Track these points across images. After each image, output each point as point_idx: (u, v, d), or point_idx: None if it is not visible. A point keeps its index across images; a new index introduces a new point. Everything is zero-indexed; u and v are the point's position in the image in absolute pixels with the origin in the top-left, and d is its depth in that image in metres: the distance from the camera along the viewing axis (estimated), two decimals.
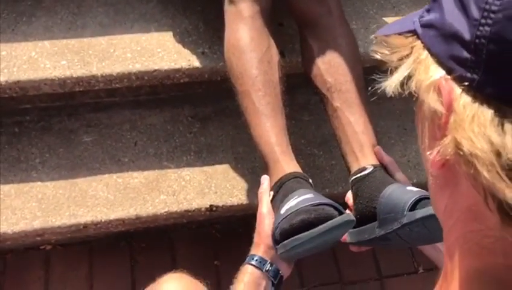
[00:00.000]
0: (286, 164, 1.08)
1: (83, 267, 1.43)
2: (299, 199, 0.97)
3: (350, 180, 1.10)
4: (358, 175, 1.07)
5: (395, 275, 1.50)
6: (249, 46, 1.15)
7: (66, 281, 1.41)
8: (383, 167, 1.09)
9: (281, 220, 0.96)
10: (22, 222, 1.30)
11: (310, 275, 1.45)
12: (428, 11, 0.40)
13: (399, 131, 1.53)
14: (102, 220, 1.32)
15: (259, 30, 1.18)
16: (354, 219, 0.97)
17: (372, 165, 1.07)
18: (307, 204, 0.95)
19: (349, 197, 1.11)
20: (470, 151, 0.35)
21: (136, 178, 1.38)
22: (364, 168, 1.08)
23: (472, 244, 0.39)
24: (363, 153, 1.10)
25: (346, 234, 1.08)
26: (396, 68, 0.41)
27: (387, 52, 0.42)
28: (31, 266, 1.42)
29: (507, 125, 0.34)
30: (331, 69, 1.19)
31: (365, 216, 1.03)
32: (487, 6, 0.34)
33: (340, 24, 1.24)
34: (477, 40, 0.35)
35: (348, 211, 1.11)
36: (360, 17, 1.58)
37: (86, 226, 1.32)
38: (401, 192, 0.97)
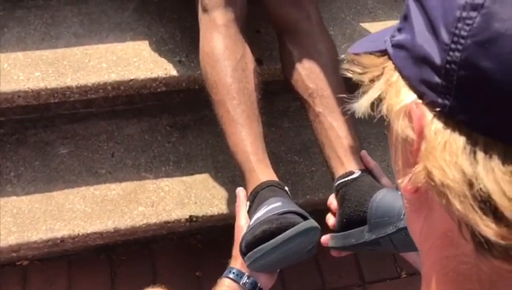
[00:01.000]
0: (261, 172, 1.07)
1: (62, 282, 1.40)
2: (267, 209, 0.97)
3: (335, 184, 1.08)
4: (346, 179, 1.06)
5: (378, 280, 1.49)
6: (223, 55, 1.15)
7: None
8: (368, 171, 1.09)
9: (247, 232, 0.96)
10: None
11: (292, 284, 1.44)
12: (399, 30, 0.39)
13: (378, 136, 1.53)
14: (80, 234, 1.29)
15: (234, 38, 1.17)
16: (317, 225, 0.97)
17: (359, 169, 1.07)
18: (273, 213, 0.95)
19: (332, 201, 1.10)
20: (442, 181, 0.34)
21: (114, 190, 1.36)
22: (351, 172, 1.07)
23: (449, 270, 0.38)
24: (348, 157, 1.10)
25: (329, 238, 1.07)
26: (367, 89, 0.40)
27: (358, 71, 0.40)
28: (8, 283, 1.38)
29: (479, 154, 0.33)
30: (312, 75, 1.19)
31: (353, 220, 1.02)
32: (457, 31, 0.33)
33: (320, 30, 1.24)
34: (447, 66, 0.34)
35: (330, 216, 1.10)
36: (337, 23, 1.59)
37: (63, 240, 1.29)
38: (394, 196, 0.97)
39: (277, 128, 1.52)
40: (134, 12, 1.52)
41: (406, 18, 0.38)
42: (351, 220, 1.02)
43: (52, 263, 1.41)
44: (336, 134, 1.12)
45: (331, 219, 1.09)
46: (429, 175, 0.35)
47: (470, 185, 0.33)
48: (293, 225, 0.93)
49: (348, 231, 1.03)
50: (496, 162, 0.32)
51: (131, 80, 1.38)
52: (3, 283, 1.37)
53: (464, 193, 0.33)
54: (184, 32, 1.49)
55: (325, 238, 1.06)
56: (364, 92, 0.40)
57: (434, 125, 0.35)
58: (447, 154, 0.33)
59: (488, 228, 0.32)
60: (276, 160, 1.41)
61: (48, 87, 1.34)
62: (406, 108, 0.36)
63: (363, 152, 1.12)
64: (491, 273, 0.36)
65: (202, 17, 1.20)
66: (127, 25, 1.49)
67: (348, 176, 1.07)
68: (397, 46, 0.38)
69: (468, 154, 0.33)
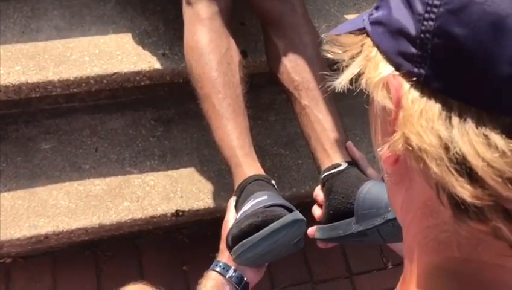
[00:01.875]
0: (248, 166, 1.07)
1: (46, 279, 1.38)
2: (253, 202, 0.97)
3: (322, 176, 1.08)
4: (332, 171, 1.06)
5: (365, 271, 1.50)
6: (207, 48, 1.13)
7: None
8: (354, 162, 1.09)
9: (233, 226, 0.96)
10: None
11: (280, 276, 1.44)
12: (377, 8, 0.41)
13: (364, 127, 1.53)
14: (64, 230, 1.27)
15: (218, 31, 1.16)
16: (303, 217, 0.97)
17: (346, 161, 1.07)
18: (259, 207, 0.95)
19: (318, 193, 1.10)
20: (419, 146, 0.35)
21: (98, 185, 1.34)
22: (338, 164, 1.07)
23: (429, 240, 0.40)
24: (334, 149, 1.10)
25: (315, 230, 1.07)
26: (347, 66, 0.41)
27: (338, 51, 0.42)
28: None
29: (454, 119, 0.34)
30: (298, 67, 1.18)
31: (340, 212, 1.02)
32: (430, 1, 0.35)
33: (305, 22, 1.24)
34: (422, 35, 0.35)
35: (316, 208, 1.10)
36: (322, 15, 1.58)
37: (47, 237, 1.27)
38: (381, 188, 0.97)
39: (263, 121, 1.51)
40: (116, 5, 1.50)
41: None
42: (337, 212, 1.02)
43: (36, 260, 1.39)
44: (322, 126, 1.12)
45: (317, 211, 1.09)
46: (407, 141, 0.36)
47: (446, 148, 0.34)
48: (279, 217, 0.93)
49: (335, 223, 1.03)
50: (469, 126, 0.34)
51: (114, 73, 1.36)
52: None
53: (440, 156, 0.34)
54: (168, 25, 1.47)
55: (311, 230, 1.06)
56: (344, 69, 0.41)
57: (411, 95, 0.36)
58: (424, 120, 0.35)
59: (464, 189, 0.34)
60: (262, 153, 1.40)
61: (29, 81, 1.32)
62: (384, 80, 0.38)
63: (349, 143, 1.12)
64: (470, 238, 0.37)
65: (186, 10, 1.19)
66: (109, 17, 1.47)
67: (335, 168, 1.06)
68: (375, 22, 0.40)
69: (443, 119, 0.34)
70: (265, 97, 1.56)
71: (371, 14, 0.41)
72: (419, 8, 0.35)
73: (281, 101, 1.55)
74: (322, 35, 0.45)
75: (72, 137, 1.42)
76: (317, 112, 1.13)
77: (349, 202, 1.00)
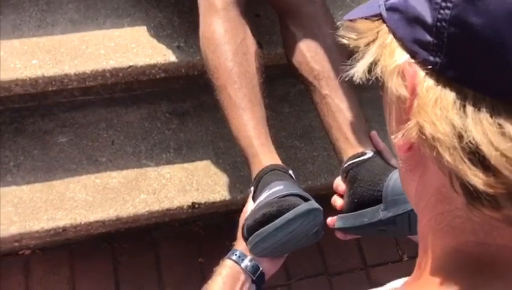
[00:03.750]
0: (264, 156, 1.06)
1: (64, 271, 1.40)
2: (269, 192, 0.96)
3: (345, 165, 1.07)
4: (358, 159, 1.05)
5: (380, 263, 1.50)
6: (223, 39, 1.13)
7: (47, 285, 1.37)
8: (378, 152, 1.08)
9: (248, 216, 0.95)
10: None
11: (295, 268, 1.45)
12: None
13: (380, 120, 1.52)
14: (82, 223, 1.28)
15: (234, 21, 1.15)
16: (319, 206, 0.95)
17: (371, 150, 1.06)
18: (274, 197, 0.94)
19: (339, 183, 1.08)
20: (432, 134, 0.35)
21: (115, 178, 1.35)
22: (363, 153, 1.05)
23: (444, 225, 0.40)
24: (357, 138, 1.09)
25: (336, 219, 1.05)
26: (363, 54, 0.41)
27: (354, 36, 0.42)
28: (11, 272, 1.38)
29: (468, 108, 0.34)
30: (317, 57, 1.17)
31: (365, 200, 1.00)
32: None
33: (323, 12, 1.22)
34: (438, 24, 0.35)
35: (337, 198, 1.08)
36: (337, 6, 1.57)
37: (65, 229, 1.29)
38: None
39: (277, 114, 1.51)
40: None
41: None
42: (363, 200, 1.00)
43: (54, 252, 1.41)
44: (344, 116, 1.10)
45: (338, 201, 1.07)
46: (421, 129, 0.36)
47: (460, 137, 0.34)
48: (293, 207, 0.91)
49: (360, 211, 1.01)
50: (484, 115, 0.34)
51: (130, 66, 1.36)
52: (5, 272, 1.37)
53: (453, 145, 0.34)
54: (182, 17, 1.46)
55: (331, 220, 1.05)
56: (360, 57, 0.41)
57: (426, 83, 0.36)
58: (438, 109, 0.35)
59: (477, 178, 0.34)
60: (277, 145, 1.39)
61: (46, 75, 1.33)
62: (399, 67, 0.38)
63: (373, 133, 1.11)
64: (483, 224, 0.37)
65: (201, 1, 1.19)
66: (124, 10, 1.47)
67: (360, 156, 1.05)
68: (391, 9, 0.40)
69: (458, 108, 0.34)
70: (280, 89, 1.56)
71: (387, 0, 0.40)
72: None
73: (295, 94, 1.55)
74: (338, 23, 0.45)
75: (89, 130, 1.43)
76: (339, 102, 1.12)
77: (376, 189, 0.98)
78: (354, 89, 1.16)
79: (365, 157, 1.04)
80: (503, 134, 0.33)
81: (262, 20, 1.48)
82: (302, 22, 1.21)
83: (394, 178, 0.96)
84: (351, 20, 0.43)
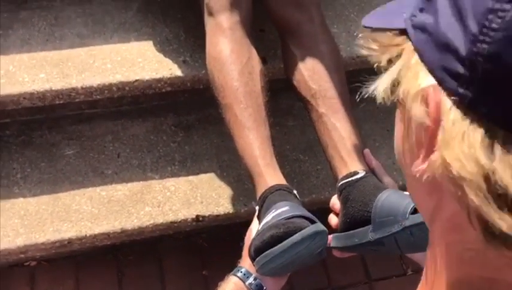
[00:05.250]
0: (269, 176, 1.08)
1: (69, 283, 1.41)
2: (275, 213, 0.97)
3: (339, 185, 1.09)
4: (350, 179, 1.06)
5: (384, 277, 1.50)
6: (229, 59, 1.15)
7: None
8: (370, 170, 1.09)
9: (255, 237, 0.96)
10: (5, 240, 1.27)
11: (299, 282, 1.45)
12: (421, 10, 0.37)
13: (383, 133, 1.53)
14: (87, 235, 1.30)
15: (240, 41, 1.17)
16: (324, 228, 0.97)
17: (363, 169, 1.07)
18: (280, 218, 0.95)
19: (334, 202, 1.10)
20: (459, 173, 0.33)
21: (120, 190, 1.36)
22: (355, 172, 1.07)
23: (453, 255, 0.39)
24: (351, 157, 1.10)
25: (331, 238, 1.07)
26: (384, 70, 0.38)
27: (375, 48, 0.38)
28: (16, 284, 1.39)
29: (497, 148, 0.32)
30: (315, 76, 1.19)
31: (357, 220, 1.02)
32: (487, 23, 0.32)
33: (322, 31, 1.24)
34: (473, 57, 0.32)
35: (333, 217, 1.10)
36: (341, 20, 1.58)
37: (70, 241, 1.30)
38: (399, 196, 0.97)
39: (281, 127, 1.52)
40: (138, 13, 1.52)
41: None
42: (354, 220, 1.02)
43: (60, 264, 1.42)
44: (339, 134, 1.12)
45: (333, 219, 1.09)
46: (446, 165, 0.34)
47: (487, 178, 0.32)
48: (300, 229, 0.93)
49: (352, 231, 1.03)
50: None
51: (136, 80, 1.38)
52: (12, 283, 1.38)
53: (479, 186, 0.32)
54: (188, 32, 1.48)
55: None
56: (381, 74, 0.38)
57: (452, 114, 0.34)
58: (466, 146, 0.33)
59: (503, 221, 0.32)
60: (281, 159, 1.40)
61: (53, 88, 1.35)
62: (423, 92, 0.35)
63: (366, 151, 1.12)
64: (496, 260, 0.35)
65: (208, 21, 1.21)
66: (131, 25, 1.49)
67: (352, 176, 1.07)
68: (418, 27, 0.36)
69: (486, 147, 0.32)
70: (284, 103, 1.57)
71: (414, 15, 0.37)
72: (473, 27, 0.32)
73: (300, 107, 1.55)
74: (356, 33, 0.42)
75: (95, 143, 1.44)
76: (335, 120, 1.14)
77: (367, 210, 1.00)
78: (351, 108, 1.17)
79: (357, 177, 1.05)
80: None
81: (267, 35, 1.50)
82: (301, 40, 1.23)
83: (382, 199, 0.98)
84: (367, 27, 0.40)
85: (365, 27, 0.40)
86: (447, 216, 0.38)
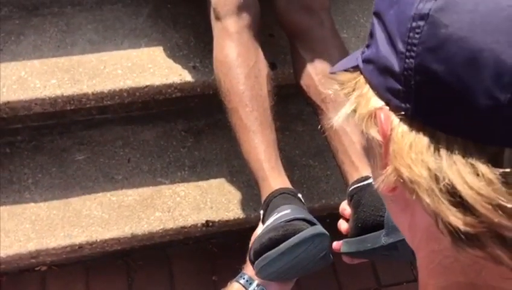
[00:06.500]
0: (274, 180, 1.07)
1: (80, 287, 1.41)
2: (277, 216, 0.97)
3: (350, 189, 1.08)
4: (361, 184, 1.05)
5: (395, 283, 1.49)
6: (235, 62, 1.15)
7: None
8: None
9: (255, 240, 0.96)
10: (16, 245, 1.28)
11: (308, 288, 1.44)
12: (367, 46, 0.42)
13: None
14: (98, 240, 1.30)
15: (246, 45, 1.17)
16: (325, 231, 0.96)
17: None
18: (281, 221, 0.95)
19: (344, 207, 1.09)
20: (410, 178, 0.36)
21: (131, 196, 1.37)
22: (367, 177, 1.06)
23: (435, 264, 0.41)
24: (362, 162, 1.09)
25: (342, 244, 1.06)
26: (344, 103, 0.43)
27: (337, 87, 0.44)
28: (27, 289, 1.40)
29: (442, 150, 0.35)
30: (325, 81, 1.18)
31: (368, 225, 1.01)
32: (409, 40, 0.36)
33: (332, 36, 1.24)
34: (405, 72, 0.37)
35: (342, 222, 1.09)
36: (351, 25, 1.58)
37: (81, 246, 1.30)
38: None
39: (291, 132, 1.52)
40: (148, 18, 1.53)
41: (371, 35, 0.42)
42: (366, 225, 1.01)
43: (70, 269, 1.43)
44: (349, 139, 1.11)
45: (343, 225, 1.08)
46: (398, 174, 0.37)
47: (436, 179, 0.35)
48: (299, 231, 0.92)
49: (364, 236, 1.02)
50: (457, 156, 0.35)
51: (147, 86, 1.38)
52: (22, 288, 1.39)
53: (431, 187, 0.35)
54: (198, 38, 1.49)
55: (337, 244, 1.05)
56: (342, 106, 0.44)
57: (400, 128, 0.37)
58: (413, 153, 0.36)
59: (457, 218, 0.35)
60: (290, 164, 1.41)
61: (64, 94, 1.36)
62: (371, 112, 0.40)
63: (367, 151, 1.11)
64: (472, 264, 0.38)
65: (215, 25, 1.21)
66: (142, 31, 1.50)
67: (363, 181, 1.06)
68: (366, 60, 0.42)
69: (432, 151, 0.35)
70: (294, 108, 1.57)
71: (363, 52, 0.43)
72: (401, 46, 0.37)
73: (309, 112, 1.55)
74: (326, 73, 0.49)
75: (105, 148, 1.45)
76: (345, 125, 1.13)
77: (379, 215, 0.99)
78: None
79: (369, 181, 1.04)
80: (477, 173, 0.34)
81: (276, 40, 1.50)
82: (311, 45, 1.23)
83: None
84: (333, 73, 0.46)
85: (331, 73, 0.47)
86: (422, 229, 0.41)
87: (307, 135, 1.52)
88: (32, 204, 1.34)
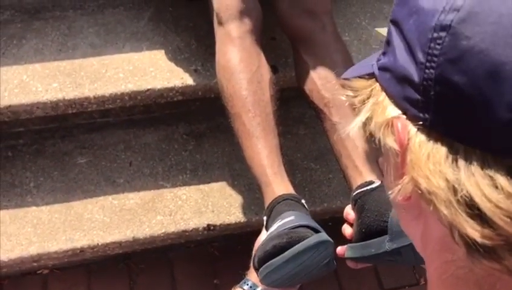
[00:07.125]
0: (277, 185, 1.07)
1: None
2: (281, 223, 0.97)
3: (353, 194, 1.07)
4: (365, 189, 1.05)
5: (397, 287, 1.48)
6: (238, 67, 1.15)
7: None
8: None
9: (259, 247, 0.95)
10: (18, 248, 1.28)
11: None
12: (384, 54, 0.42)
13: None
14: (99, 244, 1.30)
15: (249, 50, 1.17)
16: (329, 238, 0.95)
17: (379, 179, 1.06)
18: (285, 228, 0.94)
19: (349, 212, 1.09)
20: (428, 189, 0.36)
21: (132, 199, 1.37)
22: (371, 182, 1.06)
23: (448, 275, 0.40)
24: (366, 167, 1.09)
25: (346, 249, 1.06)
26: (359, 111, 0.43)
27: (351, 94, 0.44)
28: None
29: (460, 161, 0.35)
30: (328, 85, 1.18)
31: (372, 230, 1.00)
32: (430, 51, 0.36)
33: (335, 40, 1.24)
34: (424, 82, 0.36)
35: (347, 227, 1.09)
36: (353, 28, 1.58)
37: (82, 250, 1.30)
38: None
39: (293, 136, 1.52)
40: (149, 22, 1.53)
41: (388, 43, 0.41)
42: (370, 230, 1.01)
43: (72, 272, 1.43)
44: (353, 144, 1.11)
45: (347, 229, 1.07)
46: (416, 184, 0.37)
47: (454, 190, 0.35)
48: (303, 238, 0.92)
49: (368, 241, 1.02)
50: (475, 168, 0.34)
51: (148, 89, 1.39)
52: None
53: (448, 198, 0.35)
54: (199, 41, 1.49)
55: (341, 249, 1.05)
56: (356, 114, 0.43)
57: (418, 138, 0.37)
58: (431, 163, 0.36)
59: (474, 230, 0.34)
60: (292, 167, 1.41)
61: (66, 98, 1.36)
62: (388, 121, 0.40)
63: (381, 159, 1.11)
64: (486, 276, 0.37)
65: (218, 30, 1.21)
66: (143, 34, 1.50)
67: (367, 185, 1.05)
68: (382, 68, 0.41)
69: (450, 162, 0.35)
70: (295, 111, 1.57)
71: (379, 60, 0.42)
72: (421, 56, 0.37)
73: (311, 115, 1.55)
74: (336, 81, 0.48)
75: (107, 152, 1.45)
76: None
77: (383, 220, 0.99)
78: None
79: (373, 186, 1.04)
80: (495, 186, 0.34)
81: (278, 43, 1.50)
82: (314, 49, 1.23)
83: None
84: (347, 79, 0.45)
85: (344, 79, 0.46)
86: (435, 238, 0.41)
87: (309, 138, 1.52)
88: (34, 208, 1.34)
